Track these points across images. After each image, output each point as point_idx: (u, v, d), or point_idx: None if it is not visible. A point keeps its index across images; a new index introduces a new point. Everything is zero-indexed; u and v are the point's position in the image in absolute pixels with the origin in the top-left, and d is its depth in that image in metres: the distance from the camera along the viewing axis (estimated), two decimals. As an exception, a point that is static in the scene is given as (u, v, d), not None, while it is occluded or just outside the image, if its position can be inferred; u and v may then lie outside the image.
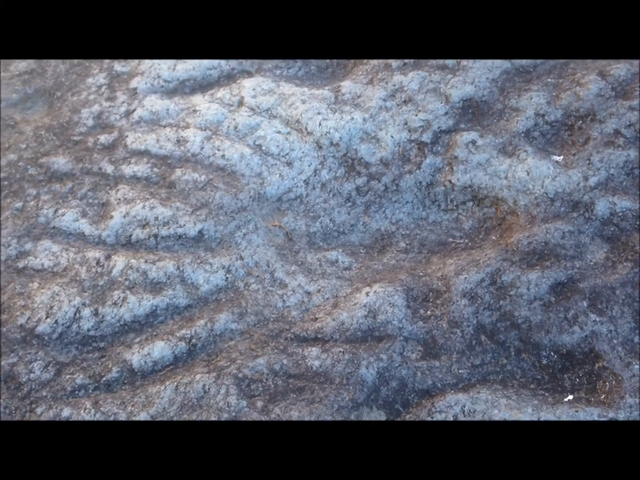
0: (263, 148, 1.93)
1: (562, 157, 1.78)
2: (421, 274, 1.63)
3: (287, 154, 1.92)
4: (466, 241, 1.74)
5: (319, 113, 1.97)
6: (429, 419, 1.34)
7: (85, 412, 1.37)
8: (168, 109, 2.05)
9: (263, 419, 1.34)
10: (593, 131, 1.81)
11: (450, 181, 1.82)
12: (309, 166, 1.90)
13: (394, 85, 2.03)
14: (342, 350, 1.46)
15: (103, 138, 1.98)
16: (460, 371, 1.44)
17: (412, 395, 1.40)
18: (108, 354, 1.50)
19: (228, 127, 1.99)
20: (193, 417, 1.35)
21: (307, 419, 1.34)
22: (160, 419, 1.35)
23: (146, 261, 1.65)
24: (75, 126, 2.04)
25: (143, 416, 1.35)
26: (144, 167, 1.89)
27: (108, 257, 1.66)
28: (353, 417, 1.35)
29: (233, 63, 2.23)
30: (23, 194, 1.84)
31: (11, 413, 1.39)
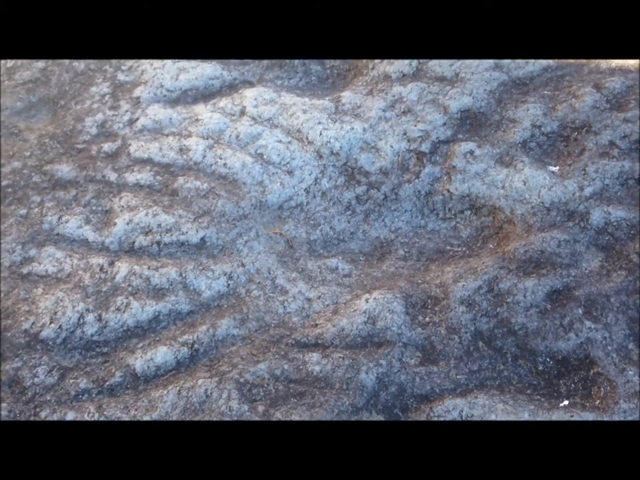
0: (265, 157, 1.96)
1: (558, 168, 1.82)
2: (420, 281, 1.66)
3: (288, 163, 1.95)
4: (464, 249, 1.77)
5: (319, 123, 2.00)
6: (427, 423, 1.36)
7: (89, 416, 1.39)
8: (171, 118, 2.08)
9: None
10: (588, 142, 1.85)
11: (448, 190, 1.85)
12: (310, 175, 1.94)
13: (393, 96, 2.07)
14: (342, 355, 1.49)
15: (107, 146, 2.01)
16: (458, 377, 1.46)
17: (411, 400, 1.42)
18: (111, 359, 1.52)
19: (230, 135, 2.02)
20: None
21: (307, 423, 1.36)
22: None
23: (149, 268, 1.67)
24: (79, 134, 2.07)
25: (146, 420, 1.37)
26: (147, 174, 1.92)
27: (111, 264, 1.69)
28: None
29: (235, 73, 2.27)
30: (27, 201, 1.86)
31: (15, 416, 1.41)
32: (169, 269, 1.67)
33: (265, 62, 2.34)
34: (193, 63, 2.28)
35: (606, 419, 1.34)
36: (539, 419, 1.35)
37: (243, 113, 2.09)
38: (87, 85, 2.26)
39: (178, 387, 1.43)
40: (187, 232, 1.76)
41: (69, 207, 1.84)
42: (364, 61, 2.28)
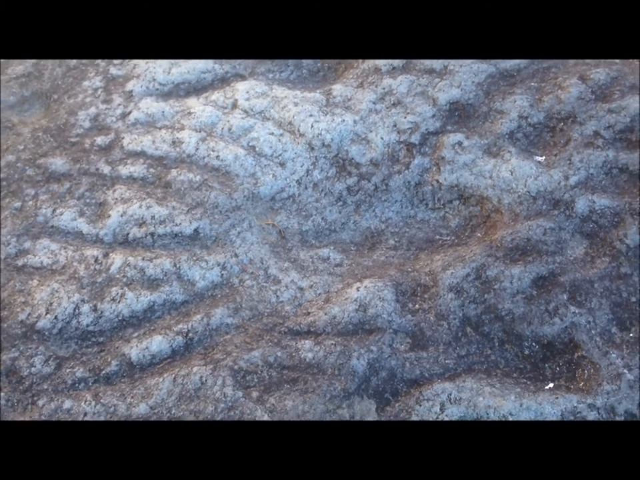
0: (257, 149, 1.99)
1: (544, 158, 1.85)
2: (410, 270, 1.69)
3: (280, 155, 1.98)
4: (452, 238, 1.80)
5: (310, 115, 2.03)
6: (417, 406, 1.40)
7: (86, 404, 1.42)
8: (163, 111, 2.11)
9: (259, 409, 1.39)
10: (574, 132, 1.89)
11: (437, 181, 1.88)
12: (302, 166, 1.96)
13: (383, 88, 2.10)
14: (334, 342, 1.52)
15: (100, 139, 2.03)
16: (446, 361, 1.50)
17: (401, 385, 1.46)
18: (107, 348, 1.55)
19: (222, 128, 2.04)
20: (191, 407, 1.40)
21: (300, 408, 1.40)
22: (159, 409, 1.40)
23: (143, 259, 1.70)
24: (72, 128, 2.09)
25: (142, 407, 1.41)
26: (140, 167, 1.94)
27: (106, 255, 1.71)
28: (344, 406, 1.41)
29: (227, 66, 2.29)
30: (22, 194, 1.88)
31: (13, 405, 1.43)
32: (163, 260, 1.70)
33: (256, 55, 2.36)
34: (185, 56, 2.30)
35: (590, 400, 1.38)
36: (524, 400, 1.39)
37: (234, 105, 2.11)
38: (80, 79, 2.27)
39: (173, 375, 1.46)
40: (180, 223, 1.79)
41: (63, 199, 1.87)
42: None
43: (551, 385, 1.44)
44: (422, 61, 2.16)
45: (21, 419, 1.41)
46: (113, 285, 1.65)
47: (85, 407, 1.41)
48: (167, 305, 1.63)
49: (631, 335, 1.49)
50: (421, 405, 1.40)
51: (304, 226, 1.87)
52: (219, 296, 1.66)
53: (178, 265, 1.69)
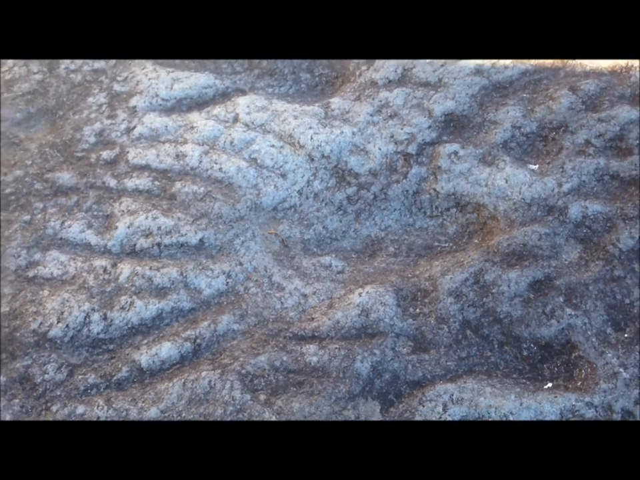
0: (258, 161, 2.05)
1: (537, 166, 1.92)
2: (410, 275, 1.74)
3: (281, 166, 2.04)
4: (450, 244, 1.86)
5: (310, 128, 2.09)
6: (420, 407, 1.44)
7: (98, 409, 1.46)
8: (167, 126, 2.16)
9: (266, 411, 1.43)
10: (566, 141, 1.95)
11: (434, 189, 1.94)
12: (302, 177, 2.02)
13: (380, 101, 2.17)
14: (338, 346, 1.57)
15: (105, 154, 2.09)
16: (448, 363, 1.55)
17: (404, 386, 1.50)
18: (117, 355, 1.59)
19: (224, 141, 2.10)
20: (201, 410, 1.44)
21: (307, 410, 1.44)
22: (169, 413, 1.44)
23: (150, 268, 1.75)
24: (78, 143, 2.15)
25: (153, 411, 1.44)
26: (145, 180, 1.99)
27: (114, 265, 1.76)
28: (349, 407, 1.45)
29: (227, 81, 2.35)
30: (31, 207, 1.93)
31: (27, 411, 1.47)
32: (170, 269, 1.75)
33: (256, 71, 2.43)
34: (187, 72, 2.37)
35: (587, 398, 1.43)
36: (524, 400, 1.43)
37: (236, 119, 2.17)
38: (84, 96, 2.33)
39: (183, 380, 1.50)
40: (186, 234, 1.84)
41: (71, 212, 1.91)
42: (351, 68, 2.37)
43: (550, 384, 1.49)
44: (417, 74, 2.23)
45: (35, 425, 1.44)
46: (122, 294, 1.69)
47: (97, 412, 1.45)
48: (174, 312, 1.67)
49: (626, 335, 1.54)
50: (424, 406, 1.45)
51: (306, 235, 1.92)
52: (225, 303, 1.70)
53: (184, 274, 1.74)
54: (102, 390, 1.52)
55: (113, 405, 1.46)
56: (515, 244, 1.73)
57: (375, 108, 2.15)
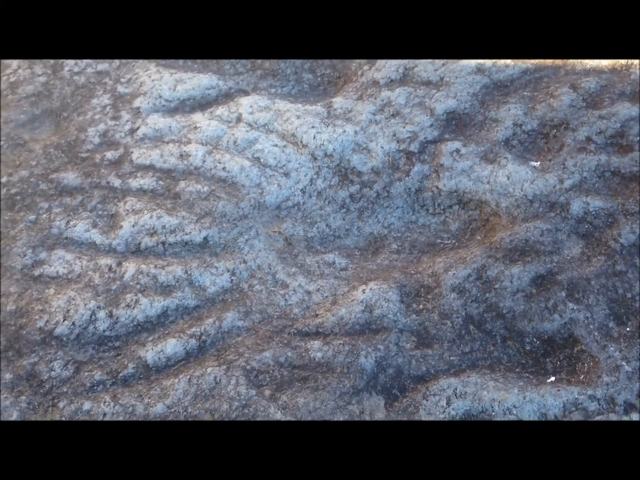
0: (261, 160, 2.06)
1: (539, 163, 1.93)
2: (413, 272, 1.76)
3: (284, 165, 2.05)
4: (453, 241, 1.87)
5: (313, 127, 2.11)
6: (424, 401, 1.45)
7: (105, 405, 1.47)
8: (170, 126, 2.18)
9: (272, 406, 1.44)
10: (567, 138, 1.97)
11: (437, 187, 1.96)
12: (305, 176, 2.04)
13: (382, 100, 2.18)
14: (342, 342, 1.58)
15: (110, 154, 2.10)
16: (451, 358, 1.56)
17: (408, 381, 1.51)
18: (123, 352, 1.60)
19: (227, 141, 2.12)
20: (207, 406, 1.45)
21: (311, 405, 1.45)
22: (175, 408, 1.45)
23: (155, 266, 1.76)
24: (82, 144, 2.16)
25: (159, 406, 1.46)
26: (149, 180, 2.01)
27: (119, 264, 1.77)
28: (354, 402, 1.46)
29: (230, 82, 2.37)
30: (36, 207, 1.95)
31: (34, 408, 1.48)
32: (175, 267, 1.76)
33: (259, 72, 2.45)
34: (190, 74, 2.38)
35: (590, 391, 1.44)
36: (527, 393, 1.44)
37: (239, 119, 2.19)
38: (88, 97, 2.35)
39: (188, 376, 1.51)
40: (190, 232, 1.85)
41: (76, 212, 1.93)
42: (353, 68, 2.39)
43: (553, 378, 1.50)
44: (419, 73, 2.25)
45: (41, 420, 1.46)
46: (127, 291, 1.71)
47: (104, 408, 1.46)
48: (179, 309, 1.69)
49: (628, 328, 1.55)
50: (427, 400, 1.46)
51: (309, 233, 1.94)
52: (230, 300, 1.71)
53: (189, 272, 1.75)
54: (108, 386, 1.53)
55: (120, 401, 1.48)
56: (517, 240, 1.74)
57: (377, 107, 2.17)
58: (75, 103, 2.34)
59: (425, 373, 1.53)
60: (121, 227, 1.87)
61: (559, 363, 1.53)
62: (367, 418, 1.44)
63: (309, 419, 1.43)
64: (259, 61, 2.47)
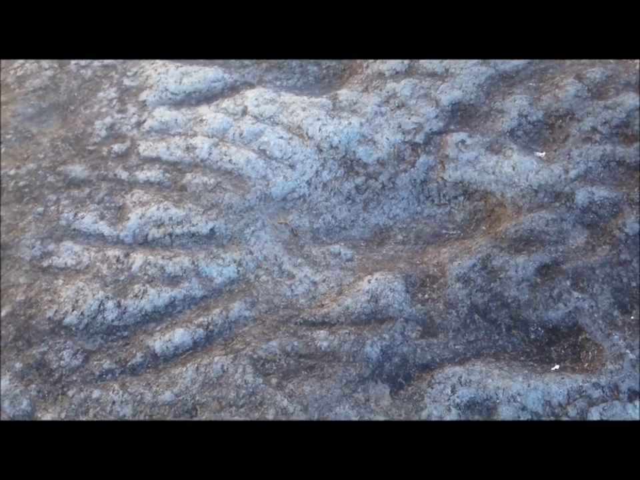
0: (267, 152, 2.07)
1: (544, 153, 1.93)
2: (418, 262, 1.77)
3: (290, 157, 2.06)
4: (458, 231, 1.88)
5: (318, 119, 2.12)
6: (429, 389, 1.47)
7: (114, 393, 1.49)
8: (176, 119, 2.19)
9: (278, 394, 1.46)
10: (572, 128, 1.97)
11: (442, 178, 1.96)
12: (311, 168, 2.05)
13: (387, 92, 2.19)
14: (348, 331, 1.59)
15: (117, 147, 2.12)
16: (456, 347, 1.57)
17: (413, 369, 1.53)
18: (132, 341, 1.62)
19: (233, 134, 2.13)
20: (214, 394, 1.47)
21: (318, 393, 1.47)
22: (183, 396, 1.47)
23: (163, 257, 1.78)
24: (89, 137, 2.18)
25: (167, 394, 1.48)
26: (156, 172, 2.02)
27: (127, 255, 1.79)
28: (359, 390, 1.48)
29: (236, 75, 2.38)
30: (44, 199, 1.97)
31: (44, 396, 1.51)
32: (182, 258, 1.78)
33: (264, 64, 2.46)
34: (195, 67, 2.39)
35: (594, 379, 1.45)
36: (532, 381, 1.45)
37: (244, 112, 2.20)
38: (95, 91, 2.36)
39: (196, 364, 1.53)
40: (197, 224, 1.87)
41: (84, 204, 1.95)
42: (358, 61, 2.39)
43: (557, 366, 1.51)
44: (424, 64, 2.25)
45: (52, 409, 1.48)
46: (135, 282, 1.73)
47: (113, 396, 1.48)
48: (187, 300, 1.70)
49: (632, 317, 1.56)
50: (432, 388, 1.47)
51: (315, 224, 1.95)
52: (236, 291, 1.73)
53: (196, 263, 1.77)
54: (117, 375, 1.55)
55: (128, 389, 1.50)
56: (522, 230, 1.74)
57: (382, 99, 2.18)
58: (81, 97, 2.35)
59: (430, 362, 1.54)
60: (129, 218, 1.88)
61: (563, 351, 1.54)
62: (373, 406, 1.46)
63: (315, 406, 1.44)
64: (264, 54, 2.48)
